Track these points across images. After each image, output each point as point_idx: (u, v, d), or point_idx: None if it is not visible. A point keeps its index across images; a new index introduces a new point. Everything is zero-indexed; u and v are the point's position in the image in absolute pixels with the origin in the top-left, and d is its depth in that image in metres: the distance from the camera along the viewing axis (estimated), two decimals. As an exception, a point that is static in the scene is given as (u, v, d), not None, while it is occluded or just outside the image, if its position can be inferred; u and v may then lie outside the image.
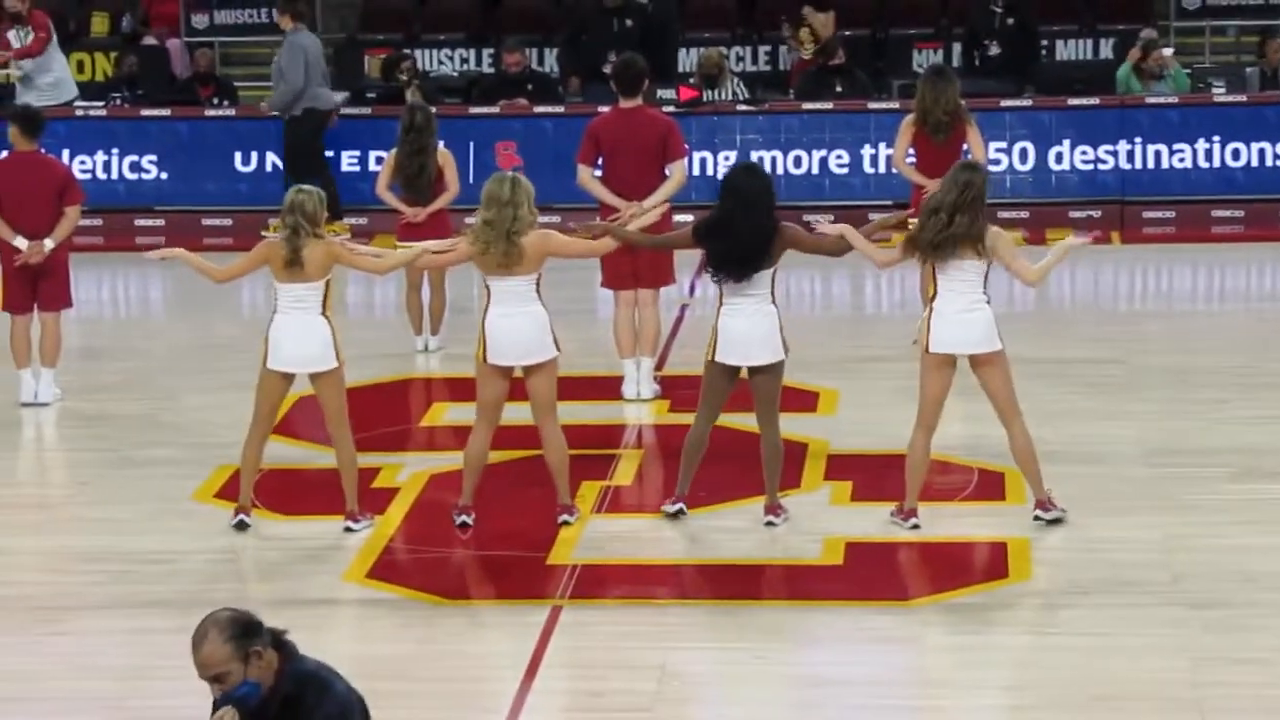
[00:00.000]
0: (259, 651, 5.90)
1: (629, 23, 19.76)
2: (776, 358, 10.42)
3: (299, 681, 5.94)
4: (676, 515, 10.63)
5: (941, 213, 10.08)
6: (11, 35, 19.61)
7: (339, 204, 18.74)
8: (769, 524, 10.57)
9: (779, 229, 10.33)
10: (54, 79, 19.76)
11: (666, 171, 12.90)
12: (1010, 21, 20.52)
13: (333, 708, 5.93)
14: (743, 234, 10.23)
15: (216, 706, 5.91)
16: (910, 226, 10.43)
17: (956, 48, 21.95)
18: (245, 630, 5.90)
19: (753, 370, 10.45)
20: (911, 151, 13.87)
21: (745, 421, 10.89)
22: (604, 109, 14.00)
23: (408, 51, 20.89)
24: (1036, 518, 10.43)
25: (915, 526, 10.45)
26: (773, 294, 10.41)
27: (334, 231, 18.55)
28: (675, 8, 21.42)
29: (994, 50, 20.32)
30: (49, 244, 12.98)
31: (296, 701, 5.92)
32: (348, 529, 10.60)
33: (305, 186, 10.53)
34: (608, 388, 13.10)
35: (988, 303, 10.28)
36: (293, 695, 5.93)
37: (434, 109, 14.97)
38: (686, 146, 13.50)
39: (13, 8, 19.64)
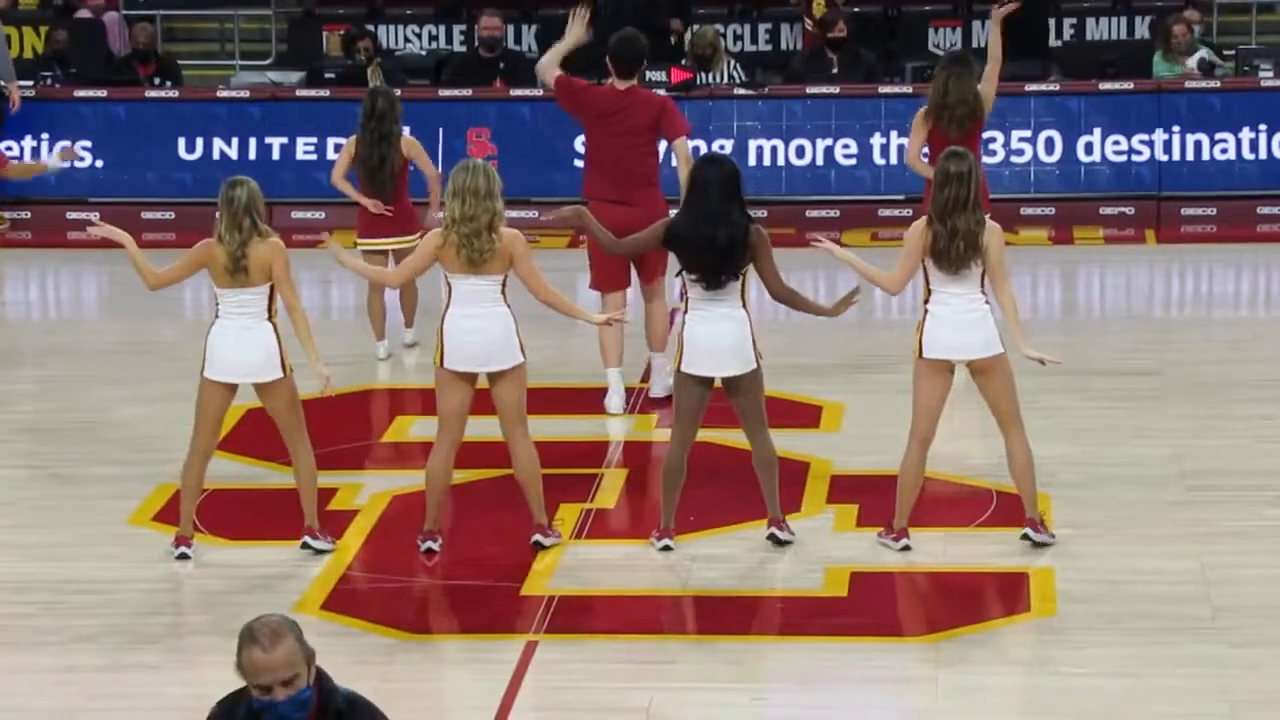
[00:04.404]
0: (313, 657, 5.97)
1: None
2: (748, 368, 10.43)
3: (349, 700, 5.99)
4: (664, 551, 10.63)
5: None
6: None
7: None
8: (773, 538, 10.56)
9: (750, 230, 10.34)
10: None
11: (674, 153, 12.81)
12: None
13: None
14: (717, 237, 10.23)
15: (259, 716, 5.88)
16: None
17: (976, 26, 21.97)
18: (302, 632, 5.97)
19: (727, 383, 10.47)
20: (925, 147, 13.87)
21: (736, 437, 10.90)
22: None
23: (369, 28, 20.90)
24: (1025, 537, 10.50)
25: (906, 548, 10.51)
26: (743, 298, 10.42)
27: None
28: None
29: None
30: None
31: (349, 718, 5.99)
32: (305, 545, 10.61)
33: (239, 177, 10.52)
34: (589, 400, 13.12)
35: (987, 302, 10.33)
36: (345, 712, 5.97)
37: (398, 92, 14.98)
38: (689, 124, 13.35)
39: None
